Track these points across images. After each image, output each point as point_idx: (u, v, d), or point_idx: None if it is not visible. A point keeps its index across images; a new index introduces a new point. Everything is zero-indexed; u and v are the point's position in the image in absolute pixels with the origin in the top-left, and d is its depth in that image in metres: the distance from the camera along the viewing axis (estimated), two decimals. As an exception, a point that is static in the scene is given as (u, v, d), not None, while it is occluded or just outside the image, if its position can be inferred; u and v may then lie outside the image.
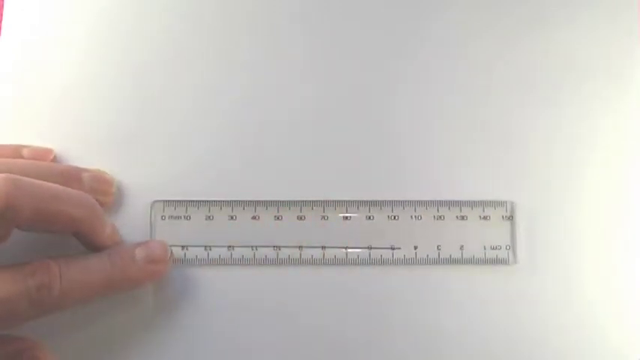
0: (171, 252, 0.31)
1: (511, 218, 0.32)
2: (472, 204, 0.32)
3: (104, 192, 0.31)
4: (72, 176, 0.30)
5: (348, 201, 0.32)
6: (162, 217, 0.32)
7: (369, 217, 0.32)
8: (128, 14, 0.34)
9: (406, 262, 0.31)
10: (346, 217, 0.32)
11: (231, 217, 0.32)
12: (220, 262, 0.32)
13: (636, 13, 0.34)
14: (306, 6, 0.34)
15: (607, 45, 0.34)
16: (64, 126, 0.33)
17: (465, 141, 0.33)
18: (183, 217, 0.32)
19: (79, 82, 0.33)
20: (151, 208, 0.32)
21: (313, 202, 0.32)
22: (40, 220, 0.26)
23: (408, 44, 0.34)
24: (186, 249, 0.32)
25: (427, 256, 0.31)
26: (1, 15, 0.34)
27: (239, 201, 0.32)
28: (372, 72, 0.34)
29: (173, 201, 0.32)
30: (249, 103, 0.33)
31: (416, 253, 0.32)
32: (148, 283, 0.31)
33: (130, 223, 0.32)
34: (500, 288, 0.32)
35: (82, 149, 0.32)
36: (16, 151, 0.31)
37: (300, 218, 0.32)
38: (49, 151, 0.32)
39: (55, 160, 0.32)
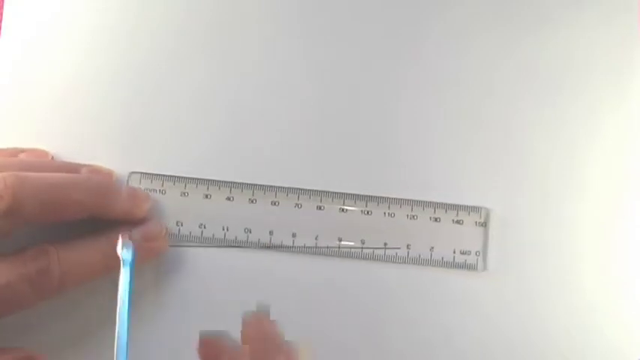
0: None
1: (485, 225, 0.33)
2: (446, 207, 0.33)
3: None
4: (70, 172, 0.30)
5: (323, 191, 0.33)
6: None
7: (342, 210, 0.33)
8: (128, 15, 0.34)
9: (374, 258, 0.33)
10: (319, 207, 0.33)
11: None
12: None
13: (636, 13, 0.33)
14: (308, 3, 0.34)
15: (607, 45, 0.34)
16: (62, 126, 0.34)
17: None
18: (159, 191, 0.33)
19: (78, 82, 0.34)
20: (128, 179, 0.33)
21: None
22: (49, 213, 0.27)
23: (407, 44, 0.34)
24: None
25: (396, 254, 0.33)
26: (1, 15, 0.34)
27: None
28: (369, 69, 0.34)
29: (150, 174, 0.33)
30: (255, 98, 0.34)
31: (385, 250, 0.33)
32: (147, 261, 0.31)
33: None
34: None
35: (81, 149, 0.33)
36: (13, 155, 0.31)
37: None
38: (45, 154, 0.32)
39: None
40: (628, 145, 0.33)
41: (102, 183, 0.30)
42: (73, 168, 0.31)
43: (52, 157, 0.33)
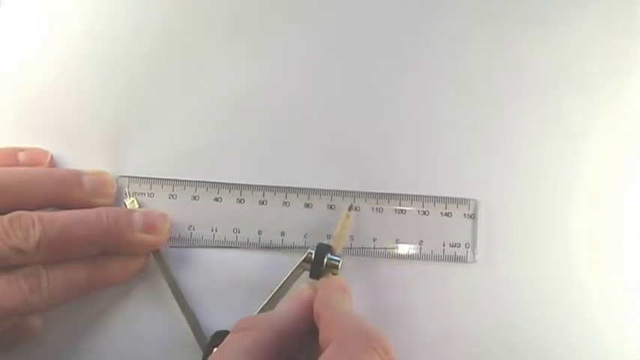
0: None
1: (473, 217, 0.33)
2: (435, 199, 0.33)
3: (105, 194, 0.32)
4: (72, 181, 0.31)
5: (310, 189, 0.33)
6: (126, 194, 0.33)
7: (330, 207, 0.33)
8: (125, 15, 0.35)
9: (364, 253, 0.33)
10: (307, 205, 0.33)
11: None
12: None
13: (636, 13, 0.34)
14: (306, 3, 0.34)
15: (606, 43, 0.34)
16: (60, 126, 0.34)
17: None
18: (147, 194, 0.33)
19: (77, 82, 0.34)
20: (116, 183, 0.33)
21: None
22: (59, 253, 0.29)
23: (405, 43, 0.34)
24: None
25: (385, 249, 0.33)
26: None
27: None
28: (362, 65, 0.34)
29: (137, 177, 0.33)
30: (244, 99, 0.34)
31: (374, 245, 0.33)
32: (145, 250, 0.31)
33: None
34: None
35: (78, 148, 0.34)
36: (12, 155, 0.32)
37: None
38: (45, 154, 0.32)
39: (52, 161, 0.33)
40: (624, 141, 0.33)
41: (114, 219, 0.29)
42: (75, 177, 0.31)
43: (52, 157, 0.33)
